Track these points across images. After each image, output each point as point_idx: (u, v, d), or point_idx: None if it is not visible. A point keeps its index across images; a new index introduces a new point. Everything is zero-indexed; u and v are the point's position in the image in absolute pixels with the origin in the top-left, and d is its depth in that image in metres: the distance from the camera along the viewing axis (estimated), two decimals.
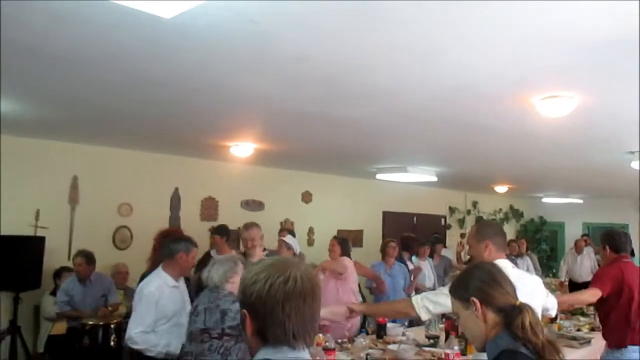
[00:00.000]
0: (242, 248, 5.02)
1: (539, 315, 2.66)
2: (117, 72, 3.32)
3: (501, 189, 10.59)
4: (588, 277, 8.67)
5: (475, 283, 1.75)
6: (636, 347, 3.83)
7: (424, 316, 2.97)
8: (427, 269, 7.23)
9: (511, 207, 13.41)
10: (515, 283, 2.48)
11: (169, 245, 3.84)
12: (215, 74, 3.28)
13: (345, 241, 5.70)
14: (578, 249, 9.98)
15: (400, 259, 6.76)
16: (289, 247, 5.29)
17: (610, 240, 4.00)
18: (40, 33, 2.63)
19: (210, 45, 2.77)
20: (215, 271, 3.36)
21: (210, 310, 3.19)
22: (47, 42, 2.77)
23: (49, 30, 2.60)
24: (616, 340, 3.88)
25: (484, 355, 1.74)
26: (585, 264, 9.54)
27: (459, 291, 1.80)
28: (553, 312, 3.29)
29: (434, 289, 7.14)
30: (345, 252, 5.48)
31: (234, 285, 3.23)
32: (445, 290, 2.73)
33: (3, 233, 5.56)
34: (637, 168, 5.91)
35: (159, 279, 3.72)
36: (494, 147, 5.74)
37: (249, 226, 4.74)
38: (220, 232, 5.86)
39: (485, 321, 1.70)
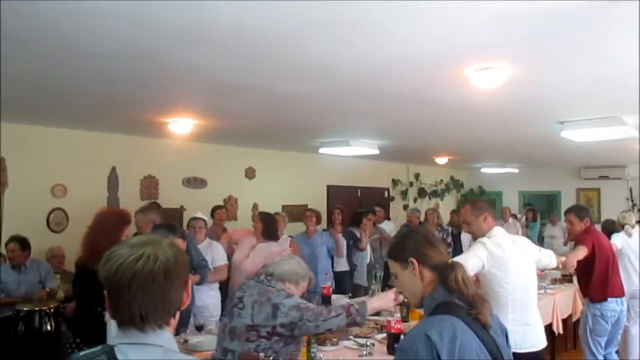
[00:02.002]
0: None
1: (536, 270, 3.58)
2: (44, 44, 3.14)
3: (442, 160, 10.84)
4: None
5: (412, 245, 1.91)
6: (614, 299, 4.68)
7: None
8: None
9: (452, 178, 13.78)
10: (510, 244, 3.39)
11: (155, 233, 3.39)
12: (148, 45, 3.14)
13: (269, 217, 5.53)
14: (504, 217, 10.45)
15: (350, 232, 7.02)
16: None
17: (583, 212, 4.90)
18: None
19: (141, 14, 2.64)
20: (286, 265, 2.99)
21: (260, 303, 2.78)
22: None
23: None
24: (599, 295, 4.69)
25: None
26: (512, 232, 9.77)
27: (398, 253, 1.94)
28: (554, 263, 3.87)
29: (371, 264, 7.36)
30: (269, 231, 5.32)
31: (289, 290, 2.92)
32: (471, 254, 3.29)
33: None
34: (568, 137, 6.16)
35: None
36: (433, 119, 5.84)
37: (145, 209, 4.24)
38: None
39: (422, 279, 1.86)
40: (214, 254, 5.03)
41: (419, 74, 3.80)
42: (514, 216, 11.12)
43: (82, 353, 1.23)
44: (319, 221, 6.90)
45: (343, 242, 6.90)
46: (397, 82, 4.05)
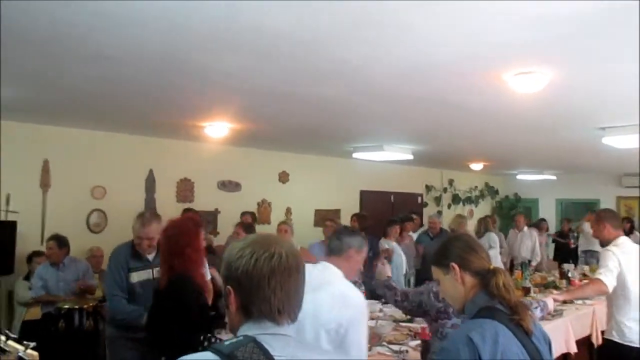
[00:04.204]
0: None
1: None
2: (87, 52, 3.24)
3: (476, 166, 10.70)
4: (528, 256, 8.67)
5: (455, 251, 1.94)
6: None
7: (612, 287, 3.71)
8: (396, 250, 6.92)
9: (486, 184, 13.57)
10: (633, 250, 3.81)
11: (338, 239, 2.88)
12: (185, 51, 3.21)
13: (250, 227, 5.49)
14: (518, 226, 9.48)
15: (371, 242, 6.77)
16: None
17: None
18: (7, 13, 2.53)
19: (180, 23, 2.70)
20: None
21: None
22: (13, 23, 2.67)
23: (15, 10, 2.50)
24: None
25: None
26: (526, 243, 9.13)
27: (440, 259, 1.97)
28: None
29: (406, 272, 7.02)
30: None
31: None
32: (609, 260, 3.71)
33: None
34: (608, 144, 6.00)
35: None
36: (469, 124, 5.77)
37: (147, 221, 3.68)
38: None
39: (464, 284, 1.88)
40: None
41: (456, 78, 3.76)
42: (536, 225, 10.09)
43: (227, 342, 1.28)
44: None
45: None
46: (433, 86, 4.02)
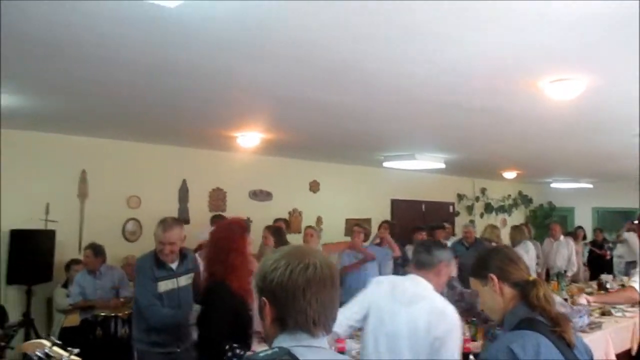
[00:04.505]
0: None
1: None
2: (123, 65, 3.32)
3: (510, 174, 10.54)
4: (564, 266, 8.39)
5: (493, 262, 1.94)
6: None
7: None
8: None
9: (520, 193, 13.35)
10: None
11: (428, 252, 2.76)
12: (217, 61, 3.26)
13: (279, 230, 5.47)
14: (554, 235, 9.01)
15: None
16: None
17: None
18: (47, 26, 2.63)
19: (212, 34, 2.75)
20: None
21: None
22: (53, 35, 2.77)
23: (53, 23, 2.60)
24: None
25: None
26: (562, 252, 8.73)
27: (478, 270, 1.98)
28: None
29: None
30: (281, 243, 5.10)
31: None
32: None
33: (14, 227, 5.61)
34: None
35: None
36: (502, 132, 5.70)
37: (168, 226, 3.59)
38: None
39: (503, 295, 1.87)
40: None
41: (492, 86, 3.72)
42: (572, 234, 9.76)
43: (261, 354, 1.27)
44: (366, 237, 6.59)
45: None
46: (467, 94, 3.99)
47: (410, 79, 3.60)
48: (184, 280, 3.77)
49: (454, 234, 10.14)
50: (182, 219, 6.95)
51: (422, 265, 2.68)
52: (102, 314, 5.07)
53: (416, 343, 2.50)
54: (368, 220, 9.43)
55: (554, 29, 2.62)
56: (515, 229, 8.60)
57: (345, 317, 2.75)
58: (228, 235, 3.06)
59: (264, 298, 1.37)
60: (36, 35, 2.78)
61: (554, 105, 4.09)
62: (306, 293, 1.32)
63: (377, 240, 6.72)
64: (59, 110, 4.85)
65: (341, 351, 4.06)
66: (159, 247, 3.62)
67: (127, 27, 2.66)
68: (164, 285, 3.64)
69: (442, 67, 3.31)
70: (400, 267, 6.47)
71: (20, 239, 5.60)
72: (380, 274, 6.44)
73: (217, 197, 7.70)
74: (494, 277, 1.88)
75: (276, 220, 6.92)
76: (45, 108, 4.73)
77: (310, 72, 3.50)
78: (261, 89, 3.99)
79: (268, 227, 5.69)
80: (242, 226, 3.22)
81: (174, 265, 3.71)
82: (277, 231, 5.50)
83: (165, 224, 3.62)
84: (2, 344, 4.33)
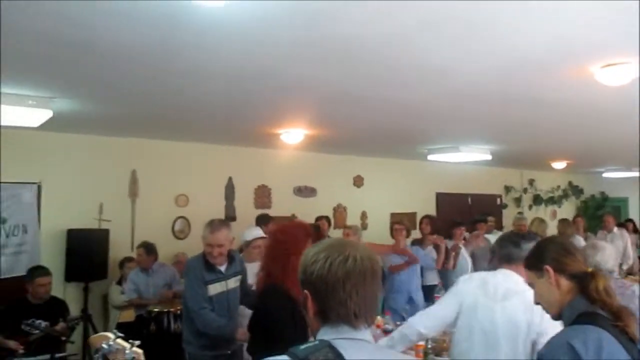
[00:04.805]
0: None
1: None
2: (172, 67, 3.41)
3: (559, 165, 10.24)
4: (619, 259, 8.01)
5: (548, 253, 1.88)
6: None
7: None
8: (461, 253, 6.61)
9: (570, 183, 12.96)
10: None
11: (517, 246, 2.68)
12: (263, 60, 3.30)
13: (317, 228, 5.37)
14: (607, 227, 8.77)
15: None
16: None
17: None
18: (99, 31, 2.72)
19: (258, 33, 2.78)
20: (608, 255, 3.20)
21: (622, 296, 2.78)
22: (105, 41, 2.87)
23: (107, 29, 2.69)
24: None
25: None
26: (616, 244, 8.10)
27: (533, 262, 1.92)
28: None
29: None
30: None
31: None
32: None
33: (71, 227, 5.84)
34: None
35: None
36: (551, 120, 5.55)
37: (216, 228, 3.57)
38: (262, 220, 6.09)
39: (559, 287, 1.81)
40: None
41: (540, 73, 3.63)
42: (623, 225, 9.44)
43: (302, 346, 1.28)
44: (408, 233, 6.41)
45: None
46: (514, 82, 3.90)
47: (458, 70, 3.55)
48: (233, 283, 3.76)
49: (502, 227, 9.95)
50: (229, 216, 7.09)
51: (511, 259, 2.63)
52: (156, 309, 5.21)
53: (515, 339, 2.48)
54: (413, 215, 9.36)
55: (606, 12, 2.54)
56: (564, 222, 8.33)
57: (438, 318, 2.76)
58: (291, 238, 2.96)
59: (305, 291, 1.38)
60: (88, 42, 2.88)
61: (606, 91, 3.95)
62: (346, 285, 1.32)
63: (420, 237, 6.62)
64: (111, 114, 5.02)
65: None
66: (207, 250, 3.60)
67: (174, 30, 2.71)
68: (213, 289, 3.62)
69: (490, 56, 3.25)
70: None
71: (77, 238, 5.83)
72: (422, 274, 6.37)
73: (263, 194, 7.80)
74: (550, 268, 1.82)
75: (318, 219, 6.95)
76: (97, 112, 4.90)
77: (355, 68, 3.50)
78: (306, 86, 4.01)
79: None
80: (307, 231, 3.16)
81: (222, 268, 3.69)
82: (315, 229, 5.52)
83: (212, 225, 3.61)
84: (64, 338, 4.52)
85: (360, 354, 1.30)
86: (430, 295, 6.01)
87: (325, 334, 1.35)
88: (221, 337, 3.58)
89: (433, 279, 6.42)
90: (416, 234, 7.02)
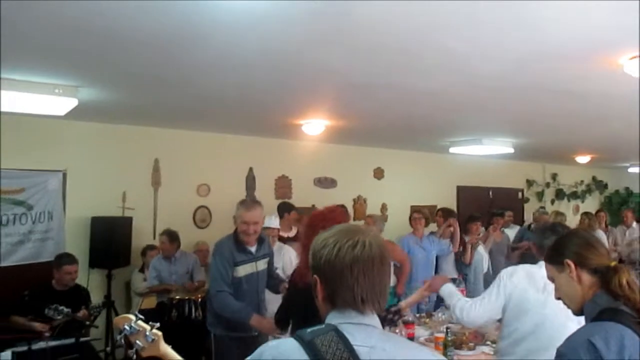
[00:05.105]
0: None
1: None
2: (194, 57, 3.43)
3: (583, 159, 10.09)
4: (637, 256, 7.89)
5: (570, 247, 1.82)
6: None
7: None
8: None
9: (594, 178, 12.77)
10: None
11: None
12: (285, 50, 3.29)
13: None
14: (626, 222, 8.73)
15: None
16: None
17: None
18: (123, 21, 2.75)
19: (281, 21, 2.78)
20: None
21: None
22: (129, 30, 2.89)
23: (131, 18, 2.71)
24: None
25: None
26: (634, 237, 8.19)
27: (554, 256, 1.87)
28: None
29: (488, 271, 6.59)
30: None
31: None
32: None
33: (95, 215, 5.94)
34: None
35: None
36: (576, 113, 5.46)
37: (250, 205, 3.64)
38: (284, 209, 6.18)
39: (581, 282, 1.76)
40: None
41: (566, 65, 3.57)
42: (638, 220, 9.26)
43: (309, 330, 1.30)
44: (427, 223, 6.52)
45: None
46: (540, 74, 3.85)
47: (483, 61, 3.51)
48: (262, 265, 3.78)
49: (522, 222, 9.86)
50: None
51: None
52: (177, 297, 5.29)
53: (565, 331, 2.47)
54: (433, 207, 9.29)
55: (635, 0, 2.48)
56: (588, 215, 8.24)
57: (487, 310, 2.77)
58: (329, 224, 2.91)
59: (315, 276, 1.38)
60: (112, 31, 2.91)
61: (633, 83, 3.87)
62: (353, 270, 1.32)
63: (441, 232, 6.59)
64: (135, 103, 5.08)
65: (410, 337, 4.07)
66: (242, 227, 3.60)
67: (197, 20, 2.72)
68: (243, 270, 3.64)
69: (516, 47, 3.20)
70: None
71: (100, 225, 5.93)
72: (438, 267, 6.35)
73: (283, 185, 7.83)
74: (571, 263, 1.77)
75: None
76: (121, 101, 4.96)
77: (375, 57, 3.47)
78: (328, 77, 4.01)
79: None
80: (347, 215, 3.10)
81: (253, 249, 3.71)
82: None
83: (246, 203, 3.65)
84: (87, 322, 4.61)
85: (367, 340, 1.31)
86: None
87: (334, 318, 1.35)
88: (236, 321, 3.59)
89: (452, 272, 6.38)
90: (433, 227, 7.01)
